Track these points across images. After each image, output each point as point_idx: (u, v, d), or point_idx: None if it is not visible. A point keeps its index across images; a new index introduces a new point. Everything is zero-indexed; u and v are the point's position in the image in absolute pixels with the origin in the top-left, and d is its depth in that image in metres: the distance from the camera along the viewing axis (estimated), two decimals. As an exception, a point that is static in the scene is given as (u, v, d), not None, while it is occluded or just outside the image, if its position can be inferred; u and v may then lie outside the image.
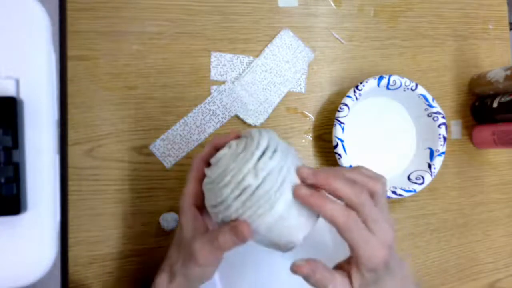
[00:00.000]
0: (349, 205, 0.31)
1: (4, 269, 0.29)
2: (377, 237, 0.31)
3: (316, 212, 0.32)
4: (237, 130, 0.35)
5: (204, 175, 0.34)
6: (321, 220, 0.32)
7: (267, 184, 0.30)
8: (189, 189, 0.35)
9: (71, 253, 0.46)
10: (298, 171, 0.31)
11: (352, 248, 0.31)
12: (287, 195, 0.30)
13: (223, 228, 0.31)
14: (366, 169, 0.34)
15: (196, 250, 0.32)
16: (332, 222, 0.30)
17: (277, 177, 0.30)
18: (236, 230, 0.30)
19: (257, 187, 0.30)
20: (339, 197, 0.31)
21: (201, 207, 0.35)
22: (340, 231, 0.30)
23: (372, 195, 0.31)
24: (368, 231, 0.30)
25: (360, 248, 0.30)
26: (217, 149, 0.35)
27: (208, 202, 0.33)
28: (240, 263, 0.35)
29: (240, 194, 0.30)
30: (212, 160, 0.34)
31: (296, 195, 0.30)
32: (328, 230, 0.43)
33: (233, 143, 0.33)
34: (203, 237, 0.33)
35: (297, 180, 0.31)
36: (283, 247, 0.32)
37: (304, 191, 0.30)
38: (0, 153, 0.28)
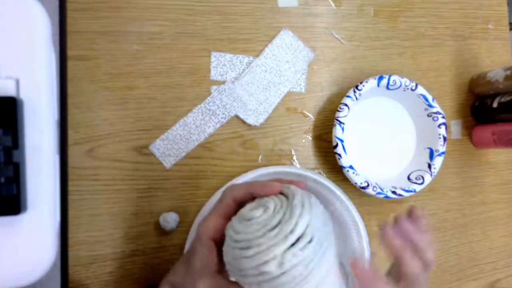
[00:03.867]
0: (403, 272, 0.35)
1: (4, 269, 0.29)
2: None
3: None
4: (279, 183, 0.32)
5: (231, 215, 0.33)
6: None
7: (288, 276, 0.28)
8: (212, 221, 0.33)
9: (71, 253, 0.46)
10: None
11: None
12: None
13: None
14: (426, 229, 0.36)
15: None
16: None
17: (302, 270, 0.28)
18: None
19: (277, 276, 0.28)
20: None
21: (218, 242, 0.34)
22: None
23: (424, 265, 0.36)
24: None
25: None
26: (253, 196, 0.33)
27: (225, 255, 0.32)
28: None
29: (258, 275, 0.29)
30: (244, 213, 0.31)
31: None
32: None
33: (271, 205, 0.30)
34: (211, 282, 0.32)
35: (323, 275, 0.29)
36: None
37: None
38: (0, 153, 0.28)
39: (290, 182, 0.34)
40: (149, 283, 0.48)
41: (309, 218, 0.29)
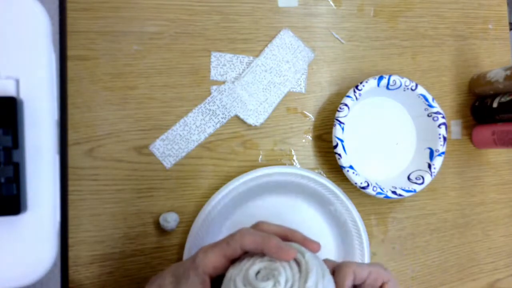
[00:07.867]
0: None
1: (4, 269, 0.29)
2: None
3: None
4: (294, 250, 0.31)
5: (234, 258, 0.33)
6: None
7: None
8: (214, 258, 0.33)
9: (71, 253, 0.46)
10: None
11: None
12: None
13: None
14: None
15: None
16: None
17: None
18: None
19: None
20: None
21: (213, 278, 0.33)
22: None
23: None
24: None
25: None
26: (263, 254, 0.32)
27: None
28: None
29: None
30: (251, 279, 0.30)
31: None
32: None
33: (282, 279, 0.29)
34: None
35: None
36: None
37: None
38: (0, 153, 0.28)
39: (304, 240, 0.33)
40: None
41: None
